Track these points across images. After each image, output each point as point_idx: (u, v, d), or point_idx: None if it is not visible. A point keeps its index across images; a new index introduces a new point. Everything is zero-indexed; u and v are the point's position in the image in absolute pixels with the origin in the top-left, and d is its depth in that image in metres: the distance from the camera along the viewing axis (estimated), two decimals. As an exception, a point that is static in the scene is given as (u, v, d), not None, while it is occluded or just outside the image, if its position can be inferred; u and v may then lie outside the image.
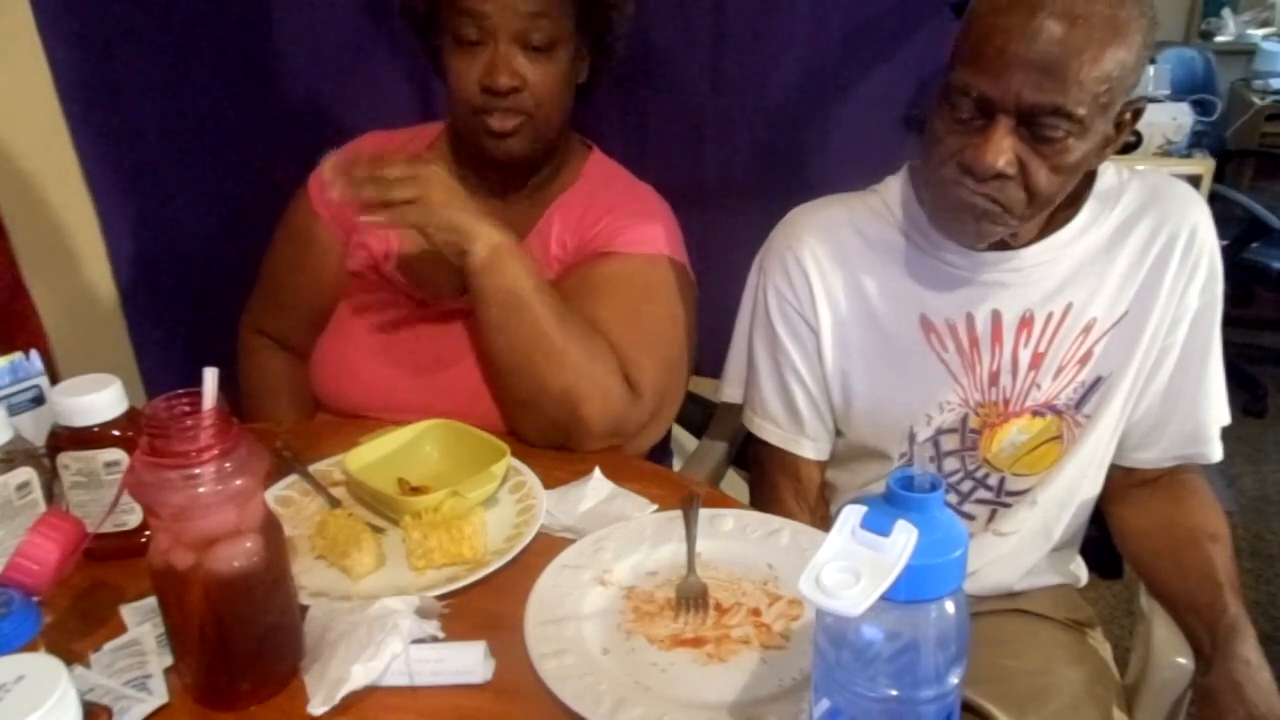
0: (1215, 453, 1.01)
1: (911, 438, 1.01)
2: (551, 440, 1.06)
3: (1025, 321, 0.96)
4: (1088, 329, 0.97)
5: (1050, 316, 0.96)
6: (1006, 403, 0.99)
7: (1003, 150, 0.83)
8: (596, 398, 1.03)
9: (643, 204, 1.18)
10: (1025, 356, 0.97)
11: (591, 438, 1.05)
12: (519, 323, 1.02)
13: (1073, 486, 1.02)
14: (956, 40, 0.85)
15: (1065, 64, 0.79)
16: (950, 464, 1.02)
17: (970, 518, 1.03)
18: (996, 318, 0.97)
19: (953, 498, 1.03)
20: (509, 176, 1.17)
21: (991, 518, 1.03)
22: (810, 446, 1.08)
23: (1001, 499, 1.02)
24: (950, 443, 1.01)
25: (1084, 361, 0.97)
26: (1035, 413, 0.99)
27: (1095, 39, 0.79)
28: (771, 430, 1.08)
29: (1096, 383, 0.98)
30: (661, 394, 1.10)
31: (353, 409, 1.16)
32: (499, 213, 1.11)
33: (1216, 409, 1.00)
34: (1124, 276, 0.96)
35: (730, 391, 1.14)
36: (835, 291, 1.00)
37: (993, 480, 1.02)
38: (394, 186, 0.95)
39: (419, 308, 1.16)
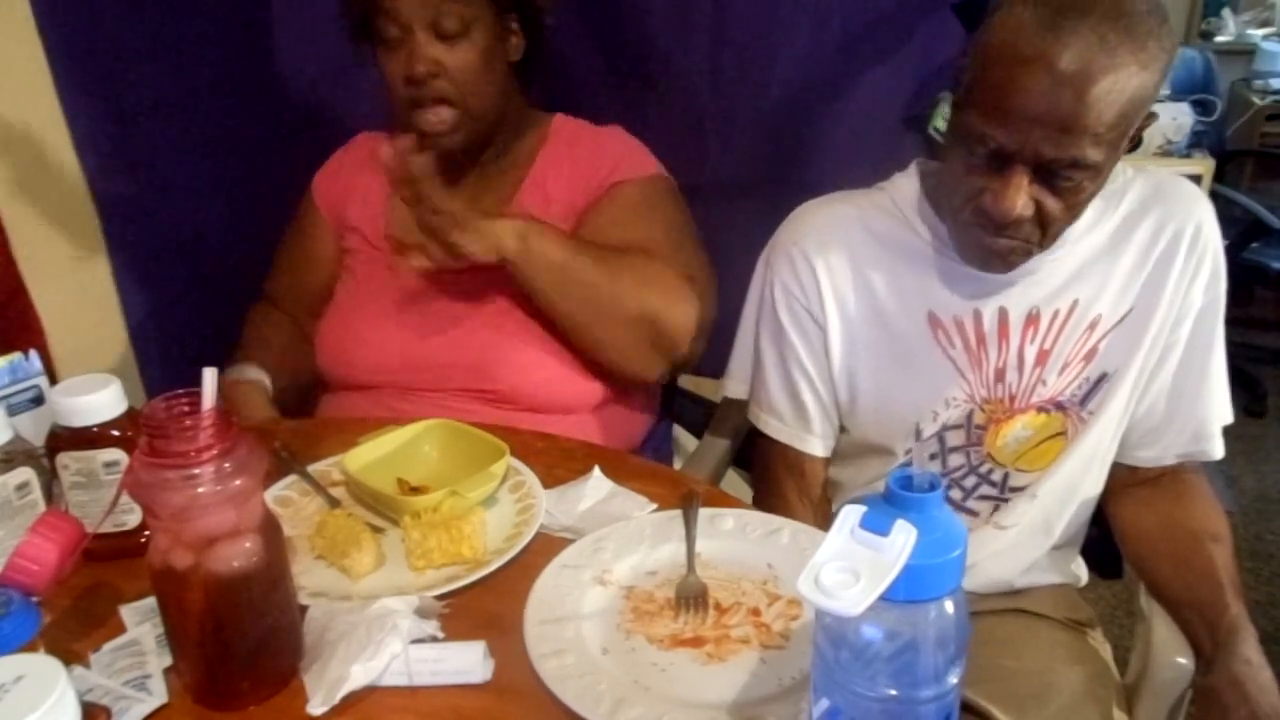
0: (1217, 450, 1.01)
1: (917, 434, 1.01)
2: (645, 359, 1.17)
3: (1032, 318, 0.97)
4: (1093, 325, 0.97)
5: (1056, 313, 0.96)
6: (1012, 399, 0.99)
7: (1020, 198, 0.83)
8: (671, 308, 1.14)
9: (620, 137, 1.27)
10: (1031, 353, 0.97)
11: (680, 342, 1.16)
12: (570, 288, 1.11)
13: (1074, 482, 1.02)
14: (969, 77, 0.85)
15: (1083, 119, 0.78)
16: (955, 459, 1.02)
17: (973, 514, 1.03)
18: (1003, 314, 0.97)
19: (956, 494, 1.03)
20: (465, 162, 1.23)
21: (994, 514, 1.03)
22: (816, 443, 1.08)
23: (1005, 495, 1.03)
24: (955, 439, 1.01)
25: (1089, 358, 0.98)
26: (1040, 409, 0.99)
27: (1116, 87, 0.78)
28: (777, 426, 1.08)
29: (1101, 379, 0.98)
30: (708, 278, 1.21)
31: (366, 376, 1.20)
32: (481, 183, 1.23)
33: (1219, 406, 1.01)
34: (1129, 273, 0.96)
35: (734, 387, 1.14)
36: (843, 287, 1.00)
37: (996, 476, 1.02)
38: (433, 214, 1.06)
39: (413, 271, 1.19)
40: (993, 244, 0.88)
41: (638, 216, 1.20)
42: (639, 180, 1.22)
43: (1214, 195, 2.72)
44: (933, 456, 1.02)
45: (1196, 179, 2.56)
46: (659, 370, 1.20)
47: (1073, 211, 0.86)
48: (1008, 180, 0.83)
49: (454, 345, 1.17)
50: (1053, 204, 0.84)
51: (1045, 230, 0.87)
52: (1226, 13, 4.02)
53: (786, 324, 1.03)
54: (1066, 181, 0.83)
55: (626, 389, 1.24)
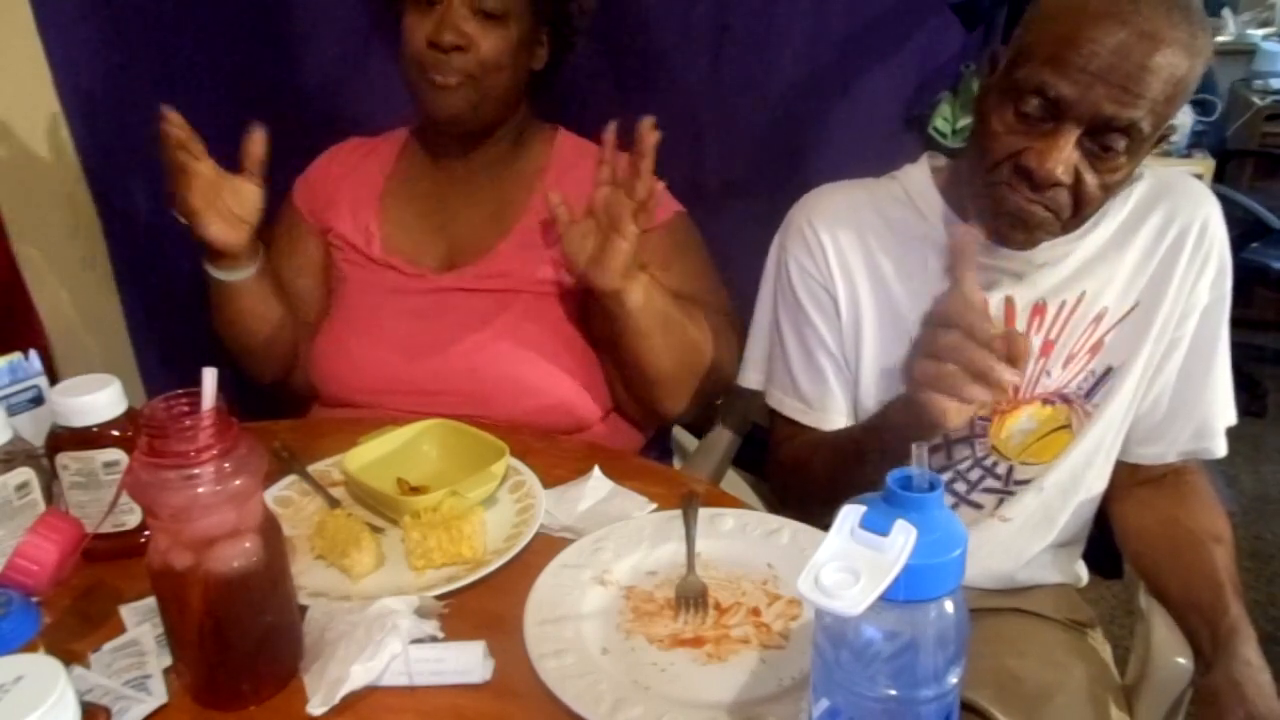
0: (1220, 448, 1.01)
1: None
2: (693, 403, 1.18)
3: (1038, 308, 0.97)
4: (1099, 318, 0.97)
5: (1063, 305, 0.97)
6: (1016, 389, 0.99)
7: (1064, 157, 0.83)
8: (730, 363, 1.16)
9: None
10: (1036, 343, 0.98)
11: (726, 388, 1.18)
12: (671, 336, 1.11)
13: (1077, 475, 1.02)
14: (1025, 36, 0.85)
15: (1144, 82, 0.79)
16: (960, 451, 1.01)
17: (978, 507, 1.03)
18: (1009, 304, 0.97)
19: (961, 486, 1.03)
20: (462, 149, 1.20)
21: (998, 507, 1.03)
22: (840, 422, 1.06)
23: (1009, 488, 1.03)
24: (959, 430, 1.01)
25: (1095, 351, 0.98)
26: (1045, 400, 0.99)
27: (1173, 61, 0.80)
28: (800, 408, 1.06)
29: (1107, 373, 0.98)
30: (734, 308, 1.23)
31: (357, 397, 1.18)
32: (497, 194, 1.20)
33: (1223, 405, 1.01)
34: (1135, 267, 0.97)
35: (750, 377, 1.12)
36: (851, 266, 1.00)
37: (1001, 469, 1.02)
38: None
39: (410, 287, 1.19)
40: (1025, 205, 0.87)
41: (673, 264, 1.18)
42: (663, 226, 1.19)
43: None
44: (935, 449, 1.01)
45: (1196, 179, 2.56)
46: (692, 412, 1.21)
47: (1105, 192, 0.86)
48: (1055, 138, 0.83)
49: (445, 370, 1.14)
50: (1090, 180, 0.84)
51: (1077, 205, 0.86)
52: (1226, 13, 4.00)
53: (805, 301, 1.02)
54: (1113, 145, 0.82)
55: (622, 407, 1.23)
